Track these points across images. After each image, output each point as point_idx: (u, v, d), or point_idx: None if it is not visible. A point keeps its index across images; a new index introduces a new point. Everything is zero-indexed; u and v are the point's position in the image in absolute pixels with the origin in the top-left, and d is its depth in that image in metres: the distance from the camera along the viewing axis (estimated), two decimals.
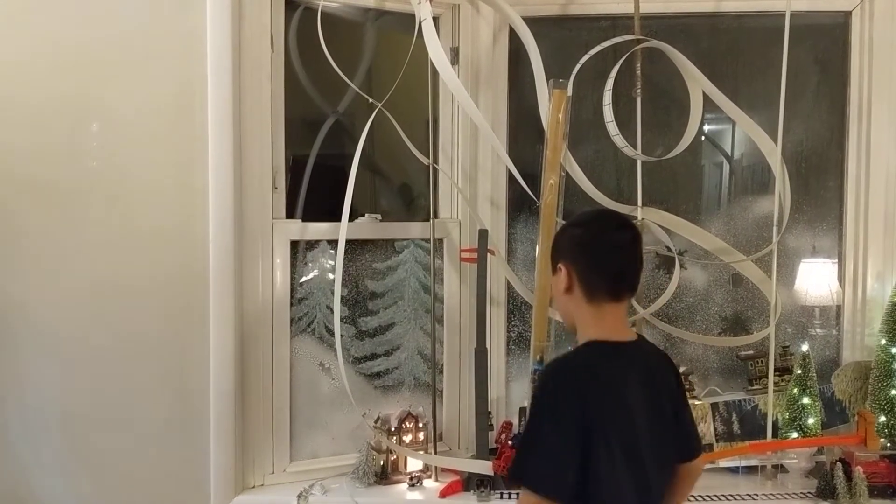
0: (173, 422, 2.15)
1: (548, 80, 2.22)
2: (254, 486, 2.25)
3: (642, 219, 2.31)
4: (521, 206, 2.58)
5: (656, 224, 2.33)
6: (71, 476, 2.13)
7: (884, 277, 2.44)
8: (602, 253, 1.57)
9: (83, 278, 2.10)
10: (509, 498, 2.19)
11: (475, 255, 2.26)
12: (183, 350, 2.15)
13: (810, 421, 2.30)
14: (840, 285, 2.51)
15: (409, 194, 2.64)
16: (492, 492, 2.20)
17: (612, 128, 2.16)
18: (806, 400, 2.31)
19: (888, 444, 2.27)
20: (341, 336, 2.34)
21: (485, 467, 2.21)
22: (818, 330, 2.56)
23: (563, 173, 2.23)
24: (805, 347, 2.34)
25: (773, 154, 2.25)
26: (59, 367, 2.11)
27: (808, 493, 2.20)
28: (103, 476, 2.14)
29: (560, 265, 1.60)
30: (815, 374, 2.33)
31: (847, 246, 2.52)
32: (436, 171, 2.38)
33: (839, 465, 2.16)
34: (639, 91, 2.34)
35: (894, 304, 2.33)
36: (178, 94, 2.11)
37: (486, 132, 2.24)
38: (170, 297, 2.14)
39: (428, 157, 2.29)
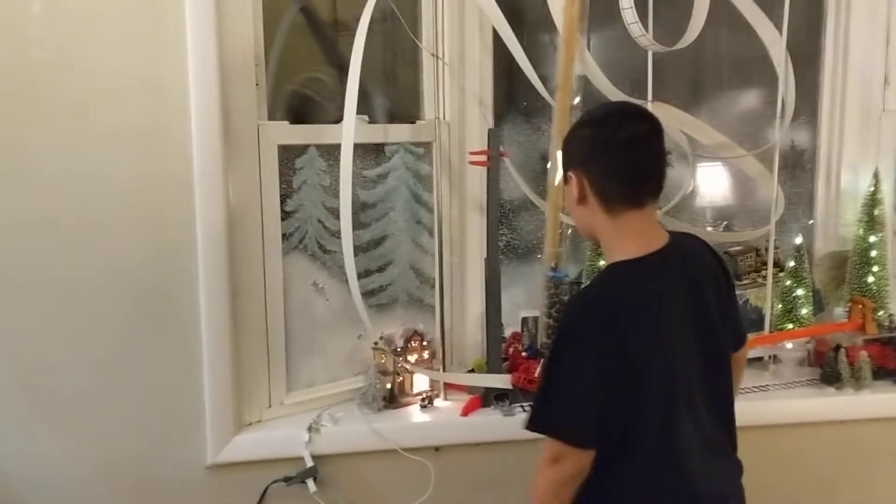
0: (159, 359, 1.87)
1: None
2: (250, 423, 2.01)
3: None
4: (509, 104, 2.41)
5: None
6: (35, 431, 1.81)
7: (857, 170, 2.50)
8: (615, 153, 1.39)
9: (41, 195, 1.75)
10: None
11: (485, 158, 2.07)
12: (167, 274, 1.85)
13: (804, 311, 2.35)
14: (815, 177, 2.56)
15: (388, 93, 2.39)
16: (512, 405, 2.10)
17: (629, 15, 2.01)
18: (800, 291, 2.35)
19: None
20: (333, 252, 2.13)
21: (503, 381, 2.10)
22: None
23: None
24: (799, 240, 2.37)
25: (776, 44, 2.20)
26: (13, 302, 1.76)
27: (814, 379, 2.26)
28: (76, 430, 1.84)
29: (570, 173, 1.44)
30: (808, 266, 2.37)
31: (822, 138, 2.54)
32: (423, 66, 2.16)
33: (842, 350, 2.23)
34: None
35: (872, 195, 2.40)
36: None
37: (497, 21, 2.03)
38: (149, 214, 1.82)
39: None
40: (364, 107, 2.33)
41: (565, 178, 1.45)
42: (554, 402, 1.37)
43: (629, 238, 1.41)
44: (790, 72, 2.22)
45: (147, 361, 1.86)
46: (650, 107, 2.21)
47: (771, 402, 2.16)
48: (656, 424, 1.39)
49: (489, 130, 2.08)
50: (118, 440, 1.86)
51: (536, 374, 2.10)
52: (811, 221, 2.59)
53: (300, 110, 2.15)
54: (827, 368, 2.22)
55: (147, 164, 1.80)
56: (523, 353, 2.17)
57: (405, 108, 2.35)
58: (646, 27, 2.10)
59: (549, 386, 1.39)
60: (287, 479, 1.93)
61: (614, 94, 2.15)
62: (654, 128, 1.42)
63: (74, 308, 1.79)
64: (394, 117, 2.30)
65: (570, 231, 2.28)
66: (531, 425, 1.40)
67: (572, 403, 1.35)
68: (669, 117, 2.20)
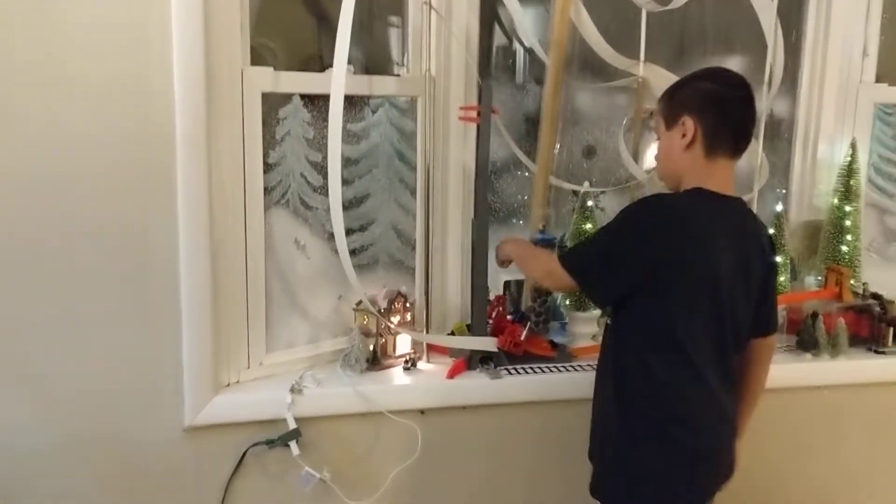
0: (135, 316, 1.76)
1: None
2: (228, 384, 1.93)
3: (642, 77, 2.18)
4: (493, 61, 2.34)
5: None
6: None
7: (833, 141, 2.52)
8: (732, 107, 1.60)
9: (15, 146, 1.62)
10: (517, 374, 2.07)
11: (476, 114, 2.01)
12: (145, 228, 1.74)
13: (781, 279, 2.37)
14: (792, 147, 2.57)
15: (364, 44, 2.30)
16: (498, 368, 2.07)
17: None
18: (779, 259, 2.36)
19: None
20: (315, 209, 2.05)
21: (489, 344, 2.06)
22: None
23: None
24: (780, 207, 2.38)
25: (767, 10, 2.19)
26: None
27: (790, 346, 2.29)
28: (45, 391, 1.73)
29: (685, 119, 1.60)
30: (787, 234, 2.39)
31: (801, 108, 2.55)
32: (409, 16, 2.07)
33: (820, 318, 2.26)
34: None
35: (848, 165, 2.43)
36: None
37: None
38: (127, 164, 1.70)
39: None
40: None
41: (673, 124, 1.62)
42: (585, 253, 1.70)
43: (713, 178, 1.59)
44: (779, 39, 2.21)
45: (122, 318, 1.75)
46: (641, 67, 2.19)
47: None
48: (691, 331, 1.55)
49: (482, 84, 2.01)
50: (90, 401, 1.76)
51: (523, 337, 2.07)
52: (783, 191, 2.61)
53: None
54: (804, 335, 2.25)
55: (126, 110, 1.68)
56: (509, 317, 2.13)
57: (380, 61, 2.26)
58: None
59: (591, 242, 1.76)
60: (269, 442, 1.86)
61: (607, 53, 2.11)
62: (752, 93, 1.61)
63: (47, 262, 1.68)
64: (367, 70, 2.21)
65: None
66: (562, 257, 1.69)
67: (595, 262, 1.62)
68: (660, 78, 2.18)
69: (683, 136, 1.60)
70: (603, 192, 2.35)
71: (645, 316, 1.57)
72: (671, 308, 1.55)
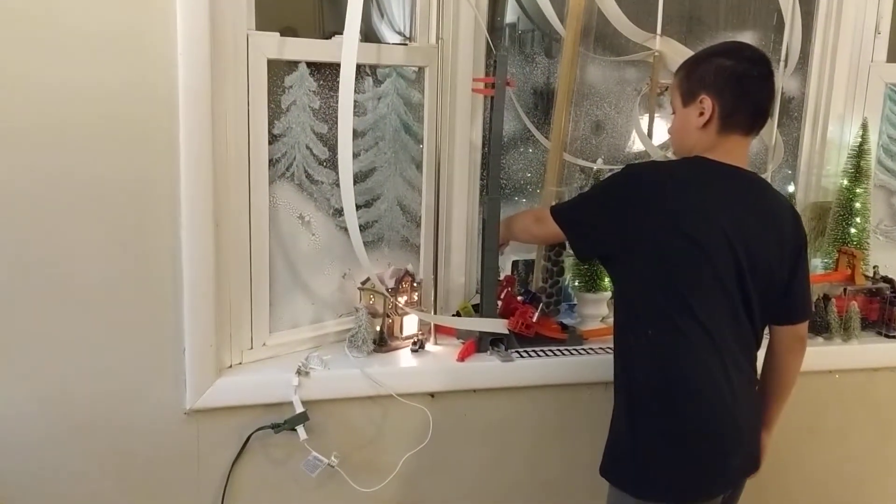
0: (134, 292, 1.67)
1: None
2: (230, 366, 1.84)
3: (658, 51, 2.11)
4: (498, 32, 2.26)
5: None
6: None
7: (843, 121, 2.48)
8: (751, 87, 1.56)
9: (5, 108, 1.51)
10: (529, 357, 2.00)
11: (490, 86, 1.92)
12: (145, 200, 1.64)
13: None
14: (801, 126, 2.52)
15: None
16: (509, 351, 2.00)
17: None
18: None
19: None
20: (321, 183, 1.97)
21: (500, 325, 1.99)
22: None
23: None
24: (791, 188, 2.34)
25: None
26: None
27: None
28: (40, 374, 1.63)
29: (703, 97, 1.56)
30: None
31: (811, 87, 2.50)
32: None
33: (832, 301, 2.22)
34: None
35: (859, 146, 2.39)
36: None
37: None
38: (128, 132, 1.60)
39: None
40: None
41: (690, 101, 1.57)
42: (573, 205, 1.75)
43: (720, 150, 1.57)
44: (797, 16, 2.16)
45: (121, 295, 1.66)
46: (657, 41, 2.12)
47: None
48: (681, 302, 1.51)
49: (497, 55, 1.92)
50: (87, 384, 1.67)
51: (536, 319, 2.00)
52: (789, 171, 2.57)
53: None
54: (816, 318, 2.21)
55: (127, 76, 1.58)
56: (519, 298, 2.06)
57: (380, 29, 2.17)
58: None
59: (581, 196, 1.76)
60: (275, 426, 1.78)
61: (625, 26, 2.04)
62: (772, 73, 1.58)
63: (41, 236, 1.57)
64: (366, 38, 2.11)
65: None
66: (553, 207, 1.78)
67: (579, 216, 1.70)
68: (677, 53, 2.11)
69: (701, 114, 1.56)
70: (613, 170, 2.28)
71: (633, 284, 1.57)
72: (658, 276, 1.52)
